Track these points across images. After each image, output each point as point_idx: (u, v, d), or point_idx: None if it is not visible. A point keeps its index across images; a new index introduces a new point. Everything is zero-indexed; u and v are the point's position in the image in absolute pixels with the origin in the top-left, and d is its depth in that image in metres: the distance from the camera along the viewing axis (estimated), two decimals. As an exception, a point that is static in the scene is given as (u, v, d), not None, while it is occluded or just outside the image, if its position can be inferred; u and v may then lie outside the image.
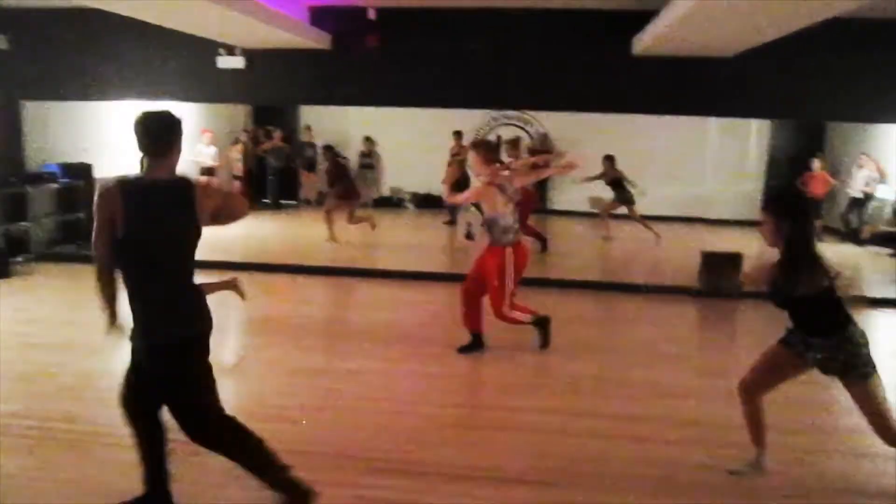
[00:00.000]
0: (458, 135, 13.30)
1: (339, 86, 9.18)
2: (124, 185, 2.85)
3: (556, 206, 15.14)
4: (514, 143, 9.70)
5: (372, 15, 8.82)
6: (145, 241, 2.86)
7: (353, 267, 9.16)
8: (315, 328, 6.65)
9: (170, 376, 2.96)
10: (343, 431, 4.35)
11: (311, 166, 15.38)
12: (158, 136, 2.91)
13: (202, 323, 3.05)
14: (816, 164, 13.10)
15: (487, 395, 5.26)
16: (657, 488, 3.77)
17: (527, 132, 15.93)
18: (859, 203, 12.79)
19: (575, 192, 14.38)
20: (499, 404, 4.94)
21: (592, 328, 6.17)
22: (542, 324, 5.89)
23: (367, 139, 15.62)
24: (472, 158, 5.66)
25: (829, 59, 8.13)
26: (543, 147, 15.17)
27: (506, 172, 5.85)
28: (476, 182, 5.88)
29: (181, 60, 9.12)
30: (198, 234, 3.02)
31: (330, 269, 8.78)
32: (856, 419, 4.92)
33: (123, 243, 2.85)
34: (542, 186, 14.45)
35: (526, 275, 6.16)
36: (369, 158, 15.74)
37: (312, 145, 15.42)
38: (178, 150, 2.98)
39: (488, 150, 5.83)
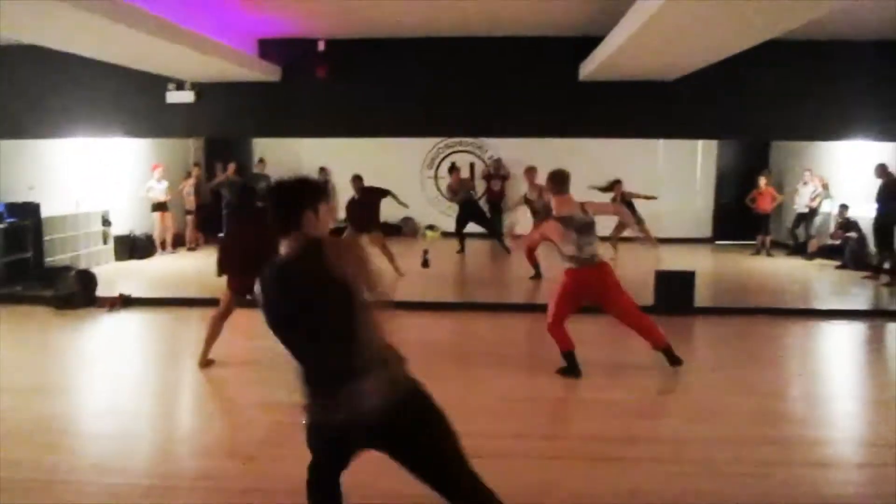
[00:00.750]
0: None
1: (291, 117, 9.15)
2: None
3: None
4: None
5: (321, 47, 8.84)
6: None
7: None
8: (275, 361, 6.53)
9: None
10: (303, 466, 4.27)
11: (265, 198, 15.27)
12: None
13: None
14: (762, 181, 13.49)
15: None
16: (620, 508, 3.79)
17: (480, 158, 16.09)
18: (806, 217, 13.17)
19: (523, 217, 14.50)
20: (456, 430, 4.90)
21: (550, 349, 6.22)
22: (568, 357, 6.04)
23: (322, 170, 15.59)
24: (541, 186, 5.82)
25: (768, 79, 8.35)
26: (497, 172, 15.33)
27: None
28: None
29: (130, 96, 8.99)
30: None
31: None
32: (816, 430, 5.04)
33: None
34: (496, 211, 14.56)
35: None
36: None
37: (266, 177, 15.32)
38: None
39: (556, 181, 5.94)
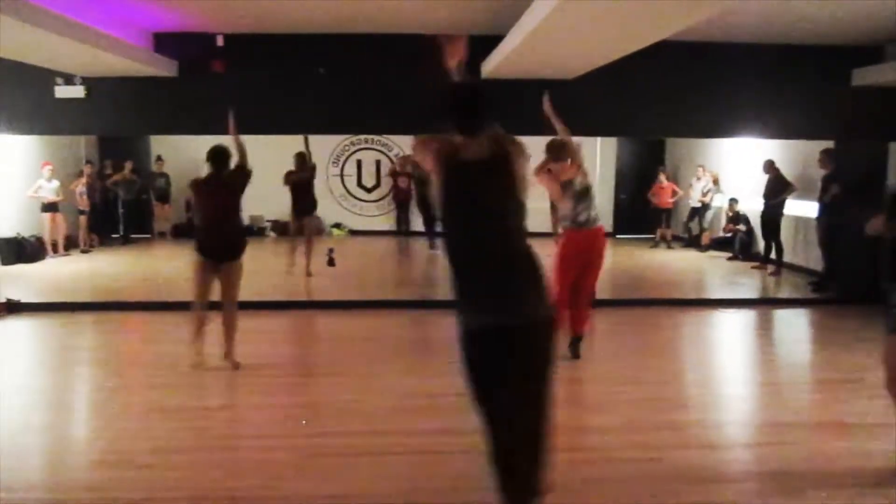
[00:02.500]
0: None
1: (188, 114, 8.85)
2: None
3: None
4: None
5: (220, 42, 8.62)
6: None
7: (212, 300, 8.83)
8: (174, 365, 6.34)
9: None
10: (202, 472, 4.18)
11: (163, 198, 14.80)
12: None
13: None
14: (663, 176, 14.06)
15: (350, 421, 5.19)
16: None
17: (387, 155, 16.06)
18: (698, 211, 13.76)
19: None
20: (353, 431, 4.86)
21: (426, 346, 6.30)
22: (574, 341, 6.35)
23: (224, 167, 15.21)
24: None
25: (662, 80, 8.62)
26: (404, 170, 15.35)
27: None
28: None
29: (14, 90, 8.51)
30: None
31: (189, 305, 8.44)
32: (706, 414, 5.28)
33: None
34: (403, 209, 14.53)
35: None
36: (227, 187, 15.32)
37: (164, 175, 14.85)
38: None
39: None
